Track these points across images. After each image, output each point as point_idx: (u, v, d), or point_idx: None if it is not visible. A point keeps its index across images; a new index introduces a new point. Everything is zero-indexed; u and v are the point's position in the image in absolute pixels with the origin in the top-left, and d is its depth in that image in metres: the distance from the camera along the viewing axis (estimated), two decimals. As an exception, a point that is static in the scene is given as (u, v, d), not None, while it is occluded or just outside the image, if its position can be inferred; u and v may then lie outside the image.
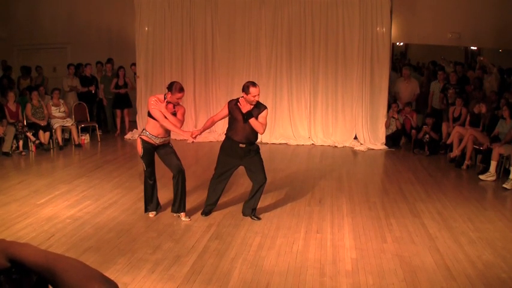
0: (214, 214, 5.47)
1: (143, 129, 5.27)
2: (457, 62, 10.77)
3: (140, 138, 5.21)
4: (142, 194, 6.28)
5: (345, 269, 4.13)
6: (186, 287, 3.80)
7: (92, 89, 10.75)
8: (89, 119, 10.43)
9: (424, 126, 9.25)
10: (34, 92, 9.40)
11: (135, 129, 10.71)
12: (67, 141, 9.72)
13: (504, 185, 6.81)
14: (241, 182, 6.60)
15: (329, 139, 9.99)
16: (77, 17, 12.32)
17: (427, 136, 9.12)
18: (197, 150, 8.96)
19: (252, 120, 5.07)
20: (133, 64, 10.95)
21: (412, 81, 10.21)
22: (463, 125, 8.63)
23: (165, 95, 5.13)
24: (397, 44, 12.50)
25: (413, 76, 10.61)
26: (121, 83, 10.70)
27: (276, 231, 5.01)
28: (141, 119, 10.66)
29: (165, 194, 6.29)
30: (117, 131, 10.92)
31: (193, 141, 5.68)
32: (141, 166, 5.44)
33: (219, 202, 5.59)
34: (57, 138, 9.37)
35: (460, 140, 8.27)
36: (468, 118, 8.55)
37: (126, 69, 10.91)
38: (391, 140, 9.70)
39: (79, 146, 9.42)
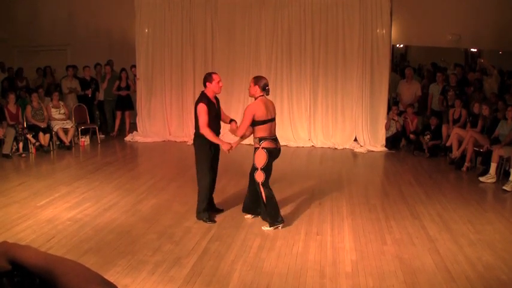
0: (214, 216, 5.46)
1: (259, 139, 4.99)
2: (457, 64, 10.78)
3: (264, 148, 4.96)
4: (143, 195, 6.31)
5: (344, 271, 4.13)
6: (186, 289, 3.80)
7: (89, 92, 10.75)
8: (88, 120, 10.43)
9: (426, 137, 9.21)
10: (34, 94, 9.40)
11: (135, 131, 10.71)
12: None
13: (504, 187, 6.81)
14: (242, 183, 6.59)
15: (329, 141, 9.99)
16: (77, 19, 12.33)
17: (428, 136, 9.13)
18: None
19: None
20: (134, 66, 10.95)
21: (413, 83, 10.22)
22: (463, 126, 8.63)
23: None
24: (397, 45, 12.51)
25: (414, 78, 10.61)
26: (123, 85, 10.72)
27: (276, 233, 5.01)
28: (142, 121, 10.67)
29: (164, 196, 6.30)
30: (114, 131, 10.91)
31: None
32: (260, 178, 5.01)
33: (218, 202, 5.60)
34: (61, 139, 9.37)
35: (460, 142, 8.27)
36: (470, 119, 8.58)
37: (127, 71, 10.93)
38: (391, 142, 9.70)
39: (69, 148, 9.37)
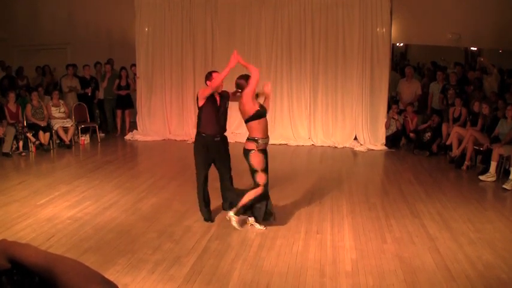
0: (215, 215, 5.46)
1: (255, 139, 4.91)
2: (457, 63, 10.77)
3: (258, 150, 4.88)
4: (143, 194, 6.31)
5: (345, 270, 4.13)
6: (186, 287, 3.80)
7: (89, 91, 10.75)
8: (88, 119, 10.42)
9: (429, 121, 9.26)
10: (34, 93, 9.40)
11: (135, 130, 10.71)
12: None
13: (504, 186, 6.81)
14: (243, 182, 6.58)
15: (329, 140, 9.99)
16: (77, 18, 12.32)
17: (428, 134, 9.12)
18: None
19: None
20: (134, 65, 10.95)
21: (413, 82, 10.22)
22: (463, 125, 8.63)
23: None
24: (397, 44, 12.50)
25: (414, 77, 10.61)
26: (123, 83, 10.71)
27: (276, 232, 5.01)
28: (142, 120, 10.67)
29: (164, 195, 6.30)
30: (117, 131, 10.92)
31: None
32: (256, 180, 4.95)
33: (218, 202, 5.60)
34: (61, 138, 9.37)
35: (459, 140, 8.27)
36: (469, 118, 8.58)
37: (127, 70, 10.93)
38: (391, 140, 9.70)
39: (69, 146, 9.37)
